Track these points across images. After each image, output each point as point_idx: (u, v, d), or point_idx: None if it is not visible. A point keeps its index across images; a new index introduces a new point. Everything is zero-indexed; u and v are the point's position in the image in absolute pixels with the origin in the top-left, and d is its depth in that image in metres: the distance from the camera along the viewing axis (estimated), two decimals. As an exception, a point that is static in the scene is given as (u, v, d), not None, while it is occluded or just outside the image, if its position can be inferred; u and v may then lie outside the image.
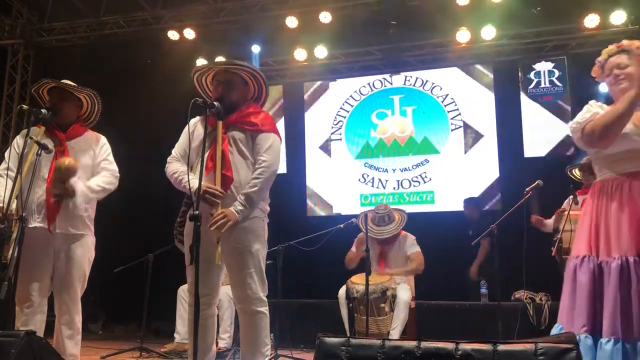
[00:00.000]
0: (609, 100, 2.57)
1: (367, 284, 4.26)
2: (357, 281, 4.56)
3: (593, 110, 2.44)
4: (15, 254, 2.76)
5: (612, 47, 2.57)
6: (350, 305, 4.55)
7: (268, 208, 3.03)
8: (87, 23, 7.41)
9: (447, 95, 7.09)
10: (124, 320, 7.20)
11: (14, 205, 3.00)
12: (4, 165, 3.24)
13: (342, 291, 4.67)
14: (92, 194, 3.28)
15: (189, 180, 2.70)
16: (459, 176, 6.89)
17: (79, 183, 3.21)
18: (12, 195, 2.92)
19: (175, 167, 2.97)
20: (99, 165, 3.38)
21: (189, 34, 7.02)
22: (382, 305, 4.45)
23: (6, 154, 3.27)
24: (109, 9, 7.24)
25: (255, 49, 7.18)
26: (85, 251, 3.29)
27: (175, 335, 5.13)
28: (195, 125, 2.97)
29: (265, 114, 3.07)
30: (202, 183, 2.60)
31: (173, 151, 3.04)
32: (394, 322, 4.46)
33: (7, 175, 3.18)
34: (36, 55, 7.66)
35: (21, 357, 2.03)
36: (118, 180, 3.42)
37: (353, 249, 5.00)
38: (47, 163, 3.15)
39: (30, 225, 3.02)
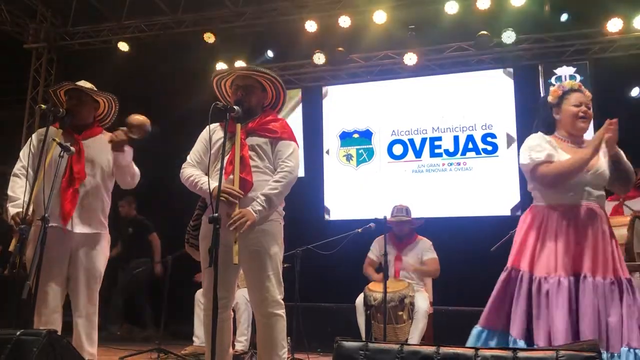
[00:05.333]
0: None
1: (384, 289, 4.25)
2: (375, 288, 4.54)
3: (547, 150, 2.69)
4: (37, 255, 2.79)
5: (575, 83, 2.86)
6: (368, 312, 4.53)
7: (283, 211, 3.05)
8: (109, 27, 7.51)
9: (466, 99, 7.04)
10: (142, 322, 7.25)
11: (31, 207, 3.03)
12: (20, 164, 3.27)
13: (359, 299, 4.66)
14: (129, 166, 3.34)
15: (208, 182, 2.72)
16: (479, 181, 6.84)
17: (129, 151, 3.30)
18: (31, 197, 2.95)
19: (190, 171, 3.00)
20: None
21: (209, 38, 7.07)
22: (400, 313, 4.42)
23: (21, 153, 3.32)
24: (131, 13, 7.33)
25: (269, 54, 7.20)
26: (101, 250, 3.32)
27: (194, 338, 5.15)
28: (214, 131, 3.00)
29: (283, 122, 3.11)
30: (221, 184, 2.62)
31: (188, 157, 3.07)
32: (413, 331, 4.43)
33: (25, 176, 3.20)
34: (59, 59, 7.78)
35: (43, 356, 2.05)
36: (138, 179, 3.46)
37: (371, 256, 5.02)
38: (63, 163, 3.16)
39: (47, 225, 3.04)
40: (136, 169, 3.41)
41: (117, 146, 3.26)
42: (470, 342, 2.71)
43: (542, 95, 6.73)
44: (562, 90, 2.81)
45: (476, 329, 2.73)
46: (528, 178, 2.81)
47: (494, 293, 2.73)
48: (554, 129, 2.84)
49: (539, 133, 2.81)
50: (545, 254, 2.62)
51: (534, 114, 3.02)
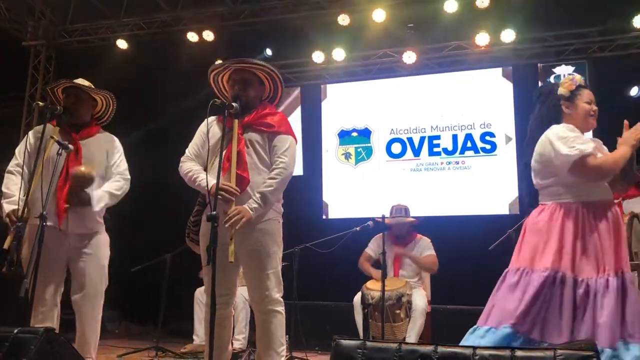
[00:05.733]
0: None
1: (382, 288, 4.25)
2: (373, 287, 4.54)
3: (591, 142, 2.58)
4: (35, 253, 2.79)
5: (582, 78, 2.80)
6: (366, 311, 4.53)
7: (282, 209, 3.05)
8: (107, 25, 7.49)
9: (465, 98, 7.04)
10: (140, 320, 7.25)
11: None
12: (15, 161, 3.26)
13: (357, 297, 4.66)
14: (104, 202, 3.28)
15: (206, 179, 2.72)
16: (477, 180, 6.84)
17: (93, 192, 3.23)
18: (28, 195, 2.94)
19: (189, 165, 2.99)
20: (111, 167, 3.40)
21: (208, 35, 7.06)
22: (398, 311, 4.42)
23: (17, 151, 3.30)
24: (129, 11, 7.31)
25: (268, 52, 7.18)
26: (101, 248, 3.32)
27: (194, 337, 5.16)
28: (212, 125, 2.98)
29: (281, 116, 3.09)
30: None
31: (187, 151, 3.06)
32: (410, 330, 4.43)
33: (20, 173, 3.19)
34: (58, 56, 7.75)
35: (40, 354, 2.05)
36: (129, 182, 3.44)
37: (368, 252, 5.00)
38: (60, 162, 3.14)
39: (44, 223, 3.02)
40: (116, 193, 3.35)
41: (81, 205, 3.21)
42: (494, 343, 2.47)
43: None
44: (575, 84, 2.74)
45: (507, 329, 2.48)
46: (568, 170, 2.55)
47: (530, 294, 2.48)
48: (558, 122, 2.71)
49: (566, 124, 2.65)
50: (589, 254, 2.49)
51: (532, 107, 2.96)
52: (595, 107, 2.73)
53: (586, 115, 2.71)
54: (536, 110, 2.85)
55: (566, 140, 2.55)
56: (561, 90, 2.75)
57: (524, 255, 2.62)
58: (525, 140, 2.84)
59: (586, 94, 2.74)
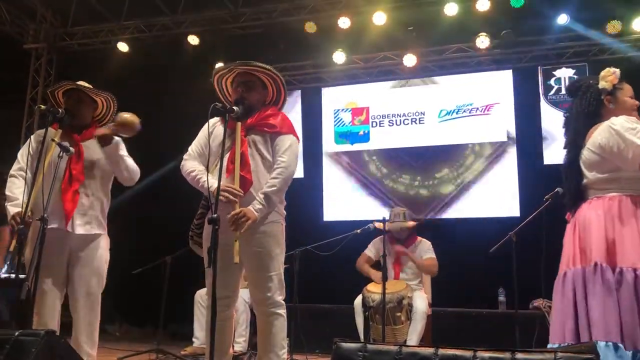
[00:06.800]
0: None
1: (383, 290, 4.24)
2: (373, 289, 4.54)
3: None
4: (36, 255, 2.79)
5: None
6: (366, 313, 4.53)
7: (285, 212, 3.05)
8: (108, 27, 7.50)
9: (466, 101, 7.04)
10: (140, 322, 7.25)
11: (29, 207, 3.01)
12: (18, 165, 3.26)
13: (358, 300, 4.65)
14: (121, 159, 3.32)
15: (207, 180, 2.72)
16: (477, 183, 6.84)
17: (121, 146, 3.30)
18: (30, 198, 2.94)
19: (192, 165, 2.98)
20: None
21: (209, 38, 7.07)
22: (399, 314, 4.42)
23: (19, 155, 3.31)
24: (130, 14, 7.33)
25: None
26: (102, 251, 3.31)
27: (193, 339, 5.15)
28: (215, 126, 2.99)
29: (283, 116, 3.10)
30: (221, 182, 2.62)
31: (189, 149, 3.06)
32: (411, 333, 4.41)
33: (22, 177, 3.19)
34: (59, 59, 7.76)
35: (41, 356, 2.04)
36: (138, 176, 3.46)
37: (368, 253, 4.99)
38: (62, 164, 3.15)
39: (46, 226, 3.03)
40: (131, 164, 3.38)
41: (102, 141, 3.25)
42: None
43: (541, 96, 6.74)
44: (618, 77, 2.63)
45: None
46: (631, 162, 2.42)
47: None
48: (600, 117, 2.58)
49: (626, 116, 2.51)
50: None
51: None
52: (637, 102, 2.63)
53: (630, 110, 2.59)
54: (575, 105, 2.70)
55: (636, 131, 2.43)
56: (603, 84, 2.62)
57: (598, 251, 2.43)
58: (569, 137, 2.68)
59: (627, 88, 2.65)
